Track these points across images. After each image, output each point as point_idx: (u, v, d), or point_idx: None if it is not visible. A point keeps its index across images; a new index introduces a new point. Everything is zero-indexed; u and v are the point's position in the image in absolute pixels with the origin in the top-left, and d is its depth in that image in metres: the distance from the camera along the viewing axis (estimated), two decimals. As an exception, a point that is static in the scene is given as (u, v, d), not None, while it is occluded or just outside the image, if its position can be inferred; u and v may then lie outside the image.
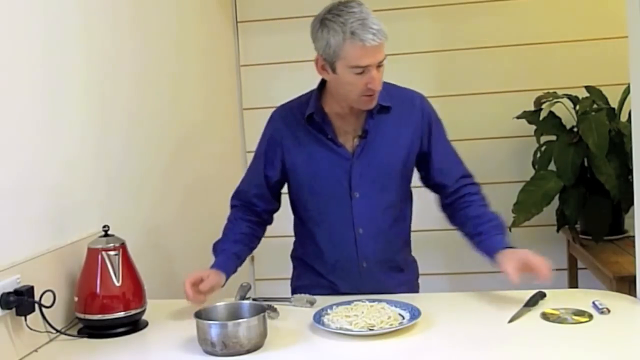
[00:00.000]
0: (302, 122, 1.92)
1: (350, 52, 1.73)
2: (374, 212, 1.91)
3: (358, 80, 1.77)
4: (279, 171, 1.97)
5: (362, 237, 1.91)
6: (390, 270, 1.97)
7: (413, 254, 2.09)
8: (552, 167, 3.06)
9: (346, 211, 1.90)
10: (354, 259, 1.93)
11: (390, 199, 1.92)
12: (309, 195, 1.95)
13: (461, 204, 1.95)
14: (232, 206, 2.04)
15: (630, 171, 1.91)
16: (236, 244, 1.95)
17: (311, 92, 1.96)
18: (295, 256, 2.10)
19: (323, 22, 1.76)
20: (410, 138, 1.91)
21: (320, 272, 1.99)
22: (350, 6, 1.74)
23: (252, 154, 2.04)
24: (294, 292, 2.02)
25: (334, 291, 1.94)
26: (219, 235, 1.99)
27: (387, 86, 1.91)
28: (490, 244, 1.84)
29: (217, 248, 1.95)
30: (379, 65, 1.76)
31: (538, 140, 3.17)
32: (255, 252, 3.56)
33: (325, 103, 1.91)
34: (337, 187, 1.89)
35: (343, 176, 1.89)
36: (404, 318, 1.63)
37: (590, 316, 1.61)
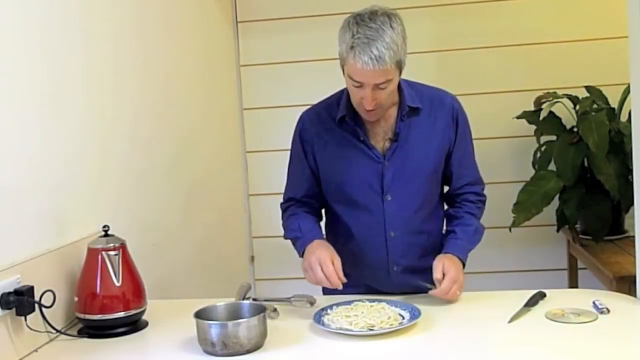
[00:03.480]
0: (331, 124, 1.90)
1: (347, 64, 1.72)
2: (407, 214, 1.89)
3: (355, 91, 1.77)
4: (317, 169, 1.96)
5: (393, 240, 1.90)
6: (421, 273, 1.91)
7: None
8: (552, 167, 3.07)
9: (378, 214, 1.89)
10: (384, 262, 1.92)
11: (422, 200, 1.91)
12: (340, 198, 1.93)
13: (455, 203, 1.98)
14: (288, 207, 2.00)
15: (630, 171, 1.91)
16: (316, 224, 1.94)
17: (338, 93, 1.94)
18: None
19: (346, 23, 1.73)
20: (441, 138, 1.90)
21: (350, 274, 1.95)
22: (373, 19, 1.69)
23: (253, 154, 2.03)
24: (324, 290, 1.99)
25: (369, 289, 1.92)
26: (219, 234, 1.98)
27: (417, 86, 1.91)
28: (447, 245, 1.89)
29: (301, 228, 1.90)
30: (380, 88, 1.73)
31: (538, 140, 3.18)
32: (255, 252, 3.60)
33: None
34: (368, 190, 1.88)
35: (375, 179, 1.87)
36: (404, 318, 1.63)
37: (595, 316, 1.62)
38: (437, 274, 1.76)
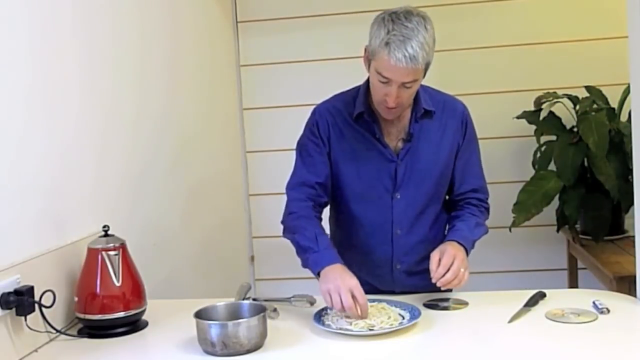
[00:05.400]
0: (348, 119, 1.92)
1: (379, 59, 1.73)
2: (414, 213, 1.92)
3: (380, 87, 1.77)
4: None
5: (399, 238, 1.92)
6: (423, 274, 1.91)
7: None
8: (552, 167, 3.07)
9: (386, 212, 1.91)
10: (388, 260, 1.94)
11: (429, 201, 1.94)
12: (349, 194, 1.94)
13: (457, 207, 1.99)
14: (299, 199, 1.91)
15: (630, 171, 1.91)
16: (330, 239, 1.88)
17: (353, 90, 1.95)
18: None
19: (380, 19, 1.75)
20: (450, 142, 1.92)
21: (354, 270, 1.93)
22: (409, 19, 1.72)
23: (253, 154, 2.01)
24: None
25: (371, 288, 1.90)
26: (219, 234, 1.97)
27: (430, 90, 1.94)
28: (447, 237, 1.87)
29: (318, 240, 1.79)
30: (406, 86, 1.75)
31: (538, 140, 3.18)
32: (255, 252, 3.60)
33: (371, 102, 1.90)
34: (379, 187, 1.90)
35: (387, 177, 1.90)
36: (404, 318, 1.63)
37: (595, 316, 1.62)
38: (432, 265, 1.72)
